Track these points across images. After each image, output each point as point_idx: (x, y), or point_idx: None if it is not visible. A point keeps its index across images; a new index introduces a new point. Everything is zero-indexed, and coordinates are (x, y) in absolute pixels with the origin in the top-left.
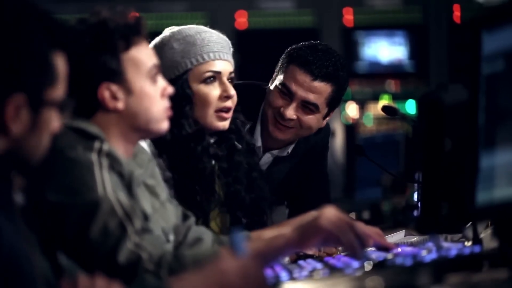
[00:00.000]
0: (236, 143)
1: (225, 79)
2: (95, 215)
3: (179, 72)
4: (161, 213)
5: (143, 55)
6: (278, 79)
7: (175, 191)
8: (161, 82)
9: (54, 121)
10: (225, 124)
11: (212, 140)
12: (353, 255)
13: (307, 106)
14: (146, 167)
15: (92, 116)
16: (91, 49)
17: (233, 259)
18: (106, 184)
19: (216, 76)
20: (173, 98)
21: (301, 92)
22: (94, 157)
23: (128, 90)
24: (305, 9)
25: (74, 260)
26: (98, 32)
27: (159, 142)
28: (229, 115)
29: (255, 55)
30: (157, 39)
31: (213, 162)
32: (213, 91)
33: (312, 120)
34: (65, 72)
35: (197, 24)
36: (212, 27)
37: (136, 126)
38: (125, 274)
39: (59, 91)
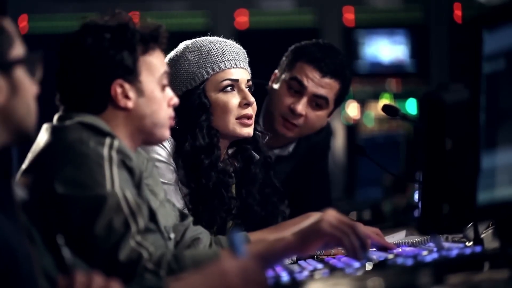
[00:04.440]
0: (253, 153)
1: (243, 86)
2: (101, 210)
3: (196, 83)
4: (160, 212)
5: (157, 62)
6: (286, 76)
7: (190, 198)
8: (169, 91)
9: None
10: (249, 131)
11: (230, 152)
12: (355, 257)
13: (316, 102)
14: (145, 167)
15: (101, 113)
16: (110, 45)
17: (233, 260)
18: (115, 180)
19: (234, 84)
20: (189, 109)
21: (312, 86)
22: (105, 151)
23: (140, 91)
24: (305, 8)
25: (77, 255)
26: (120, 31)
27: (178, 150)
28: (251, 122)
29: (255, 54)
30: (171, 53)
31: (226, 176)
32: (233, 99)
33: (318, 117)
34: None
35: (197, 23)
36: (213, 25)
37: (142, 127)
38: (125, 271)
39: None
